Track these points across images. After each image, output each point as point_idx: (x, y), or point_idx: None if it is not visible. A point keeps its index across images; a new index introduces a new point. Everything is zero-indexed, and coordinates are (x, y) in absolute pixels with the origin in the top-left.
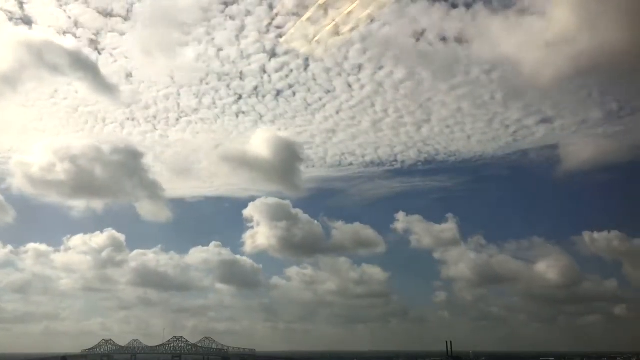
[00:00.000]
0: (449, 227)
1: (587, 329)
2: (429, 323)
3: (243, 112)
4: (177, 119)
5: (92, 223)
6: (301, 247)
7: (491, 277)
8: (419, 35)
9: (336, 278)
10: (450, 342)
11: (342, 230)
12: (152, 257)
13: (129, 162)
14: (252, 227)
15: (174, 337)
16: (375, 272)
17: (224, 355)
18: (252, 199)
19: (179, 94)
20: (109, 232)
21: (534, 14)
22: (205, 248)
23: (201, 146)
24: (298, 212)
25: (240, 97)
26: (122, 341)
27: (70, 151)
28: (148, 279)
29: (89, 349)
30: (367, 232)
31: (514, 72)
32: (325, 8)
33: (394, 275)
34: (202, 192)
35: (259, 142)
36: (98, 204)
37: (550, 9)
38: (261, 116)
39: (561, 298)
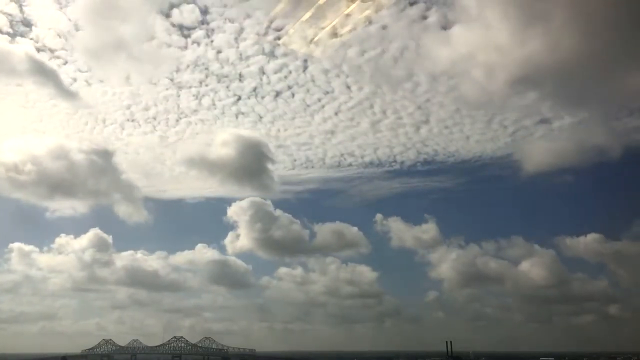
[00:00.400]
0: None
1: (582, 329)
2: (426, 323)
3: (242, 113)
4: (177, 120)
5: (77, 224)
6: (294, 248)
7: (491, 278)
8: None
9: (331, 279)
10: (450, 342)
11: (335, 231)
12: (143, 258)
13: (117, 163)
14: (240, 229)
15: (174, 337)
16: (368, 272)
17: (224, 355)
18: (239, 200)
19: (178, 96)
20: (97, 233)
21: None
22: (196, 249)
23: (199, 147)
24: (290, 213)
25: (239, 98)
26: (122, 341)
27: (58, 153)
28: (140, 279)
29: (89, 349)
30: (365, 232)
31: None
32: (323, 10)
33: (390, 275)
34: (188, 193)
35: (246, 144)
36: (83, 205)
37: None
38: (260, 117)
39: (556, 298)
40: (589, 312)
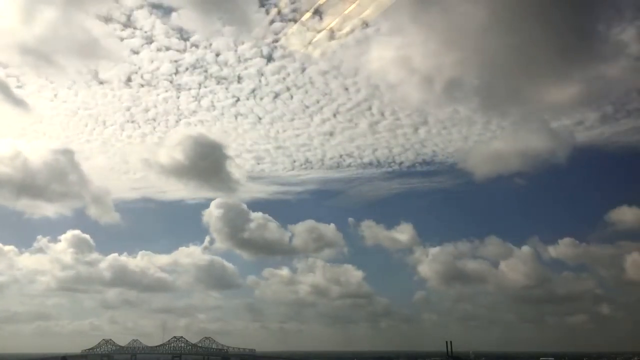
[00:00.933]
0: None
1: (576, 329)
2: (425, 323)
3: (241, 114)
4: (177, 121)
5: (58, 225)
6: (280, 249)
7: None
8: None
9: (326, 279)
10: (451, 342)
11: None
12: (129, 260)
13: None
14: (224, 230)
15: (174, 337)
16: (354, 271)
17: (224, 355)
18: (218, 201)
19: (177, 97)
20: (79, 235)
21: None
22: (179, 249)
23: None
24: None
25: (238, 100)
26: (121, 341)
27: (46, 154)
28: (130, 280)
29: (89, 349)
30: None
31: None
32: (320, 13)
33: (383, 276)
34: (171, 196)
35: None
36: (62, 207)
37: None
38: (259, 118)
39: (548, 299)
40: (582, 312)
